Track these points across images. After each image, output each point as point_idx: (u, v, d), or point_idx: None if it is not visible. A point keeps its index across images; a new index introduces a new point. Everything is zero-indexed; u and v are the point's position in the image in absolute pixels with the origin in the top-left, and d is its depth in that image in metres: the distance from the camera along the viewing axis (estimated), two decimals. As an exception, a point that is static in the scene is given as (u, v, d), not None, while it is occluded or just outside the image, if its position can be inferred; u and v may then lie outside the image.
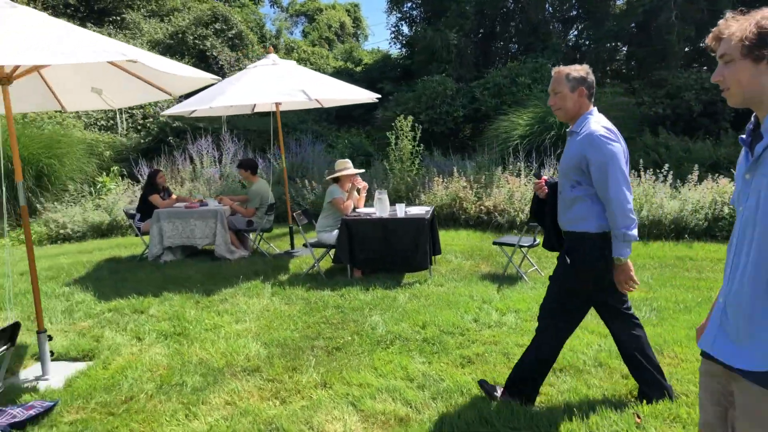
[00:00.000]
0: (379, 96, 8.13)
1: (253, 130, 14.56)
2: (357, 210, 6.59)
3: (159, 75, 4.71)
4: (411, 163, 9.62)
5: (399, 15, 21.51)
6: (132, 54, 3.47)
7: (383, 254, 5.99)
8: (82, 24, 19.41)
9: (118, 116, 14.27)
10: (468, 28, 17.04)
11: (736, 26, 1.57)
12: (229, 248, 7.55)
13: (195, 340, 4.54)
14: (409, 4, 21.39)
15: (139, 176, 11.58)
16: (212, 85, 5.91)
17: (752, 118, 1.65)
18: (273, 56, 7.56)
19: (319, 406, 3.35)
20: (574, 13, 19.09)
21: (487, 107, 14.08)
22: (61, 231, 9.58)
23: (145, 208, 7.90)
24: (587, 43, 17.76)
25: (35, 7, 17.42)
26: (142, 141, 13.46)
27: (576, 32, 18.92)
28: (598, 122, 2.93)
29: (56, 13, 19.11)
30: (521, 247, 6.01)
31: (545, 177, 3.34)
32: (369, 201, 8.14)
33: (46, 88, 4.96)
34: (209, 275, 6.62)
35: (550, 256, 6.91)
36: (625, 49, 17.89)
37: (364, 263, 6.12)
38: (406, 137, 9.49)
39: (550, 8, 18.80)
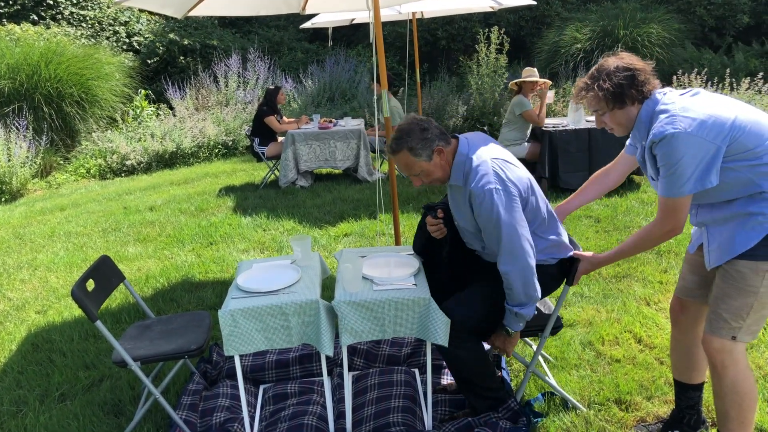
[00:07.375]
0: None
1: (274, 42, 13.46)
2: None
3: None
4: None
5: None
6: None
7: (589, 167, 5.97)
8: None
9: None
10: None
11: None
12: (370, 170, 7.17)
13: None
14: None
15: (172, 100, 10.42)
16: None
17: None
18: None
19: None
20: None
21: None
22: (126, 162, 8.52)
23: (264, 130, 7.21)
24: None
25: None
26: (149, 62, 11.96)
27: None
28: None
29: None
30: None
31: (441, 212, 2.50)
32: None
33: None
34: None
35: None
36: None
37: (569, 178, 6.04)
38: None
39: None
